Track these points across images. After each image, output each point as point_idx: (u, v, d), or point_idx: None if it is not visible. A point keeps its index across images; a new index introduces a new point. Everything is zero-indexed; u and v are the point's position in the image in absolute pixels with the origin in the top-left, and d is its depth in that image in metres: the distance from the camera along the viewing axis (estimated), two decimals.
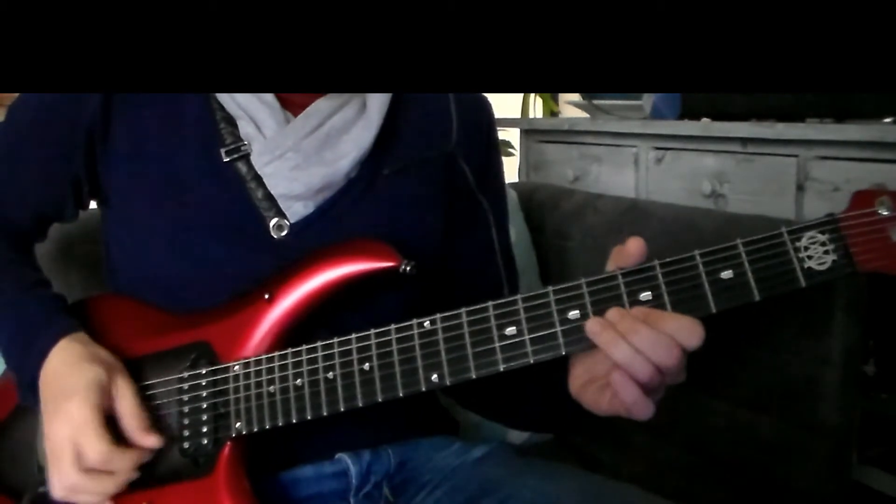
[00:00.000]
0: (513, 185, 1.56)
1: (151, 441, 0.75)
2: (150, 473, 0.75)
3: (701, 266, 0.65)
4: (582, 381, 0.72)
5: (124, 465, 0.73)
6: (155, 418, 0.77)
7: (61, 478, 0.73)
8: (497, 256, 0.94)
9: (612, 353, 0.64)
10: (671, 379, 0.66)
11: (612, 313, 0.65)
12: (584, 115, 2.20)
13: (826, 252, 0.63)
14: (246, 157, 0.82)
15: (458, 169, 0.90)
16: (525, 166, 2.10)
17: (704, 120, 1.60)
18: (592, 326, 0.65)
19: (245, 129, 0.83)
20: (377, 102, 0.85)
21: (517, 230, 1.44)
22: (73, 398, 0.72)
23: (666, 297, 0.65)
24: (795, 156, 1.39)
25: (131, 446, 0.75)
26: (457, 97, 0.91)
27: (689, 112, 1.65)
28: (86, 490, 0.73)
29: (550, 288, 0.68)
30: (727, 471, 1.12)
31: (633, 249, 0.67)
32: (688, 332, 0.63)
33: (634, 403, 0.65)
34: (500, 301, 0.69)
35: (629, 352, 0.63)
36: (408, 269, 0.76)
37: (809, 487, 1.03)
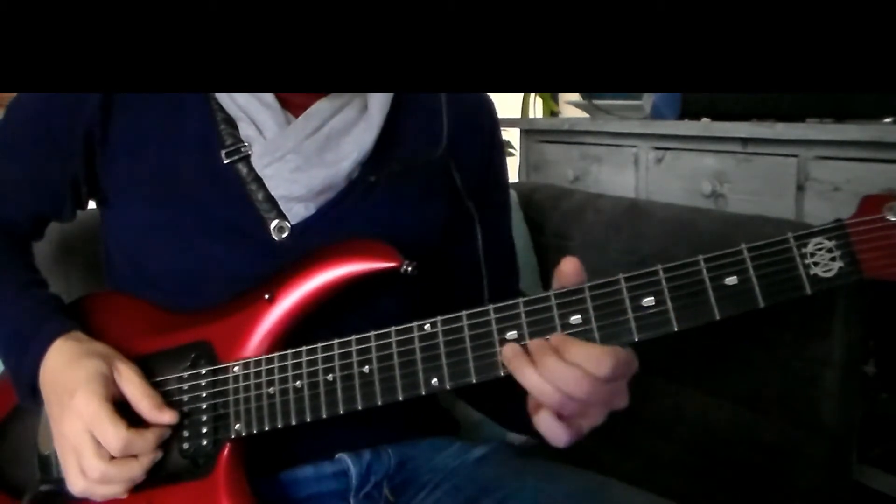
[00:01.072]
0: (513, 185, 1.56)
1: (167, 416, 0.75)
2: (150, 474, 0.75)
3: (705, 271, 0.64)
4: (534, 402, 0.71)
5: (146, 447, 0.73)
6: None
7: (86, 471, 0.73)
8: (480, 264, 0.93)
9: (520, 380, 0.66)
10: (602, 407, 0.67)
11: (533, 343, 0.67)
12: (584, 115, 2.20)
13: (832, 259, 0.62)
14: (246, 159, 0.82)
15: (449, 174, 0.89)
16: (525, 166, 2.10)
17: (704, 120, 1.60)
18: (506, 352, 0.67)
19: (245, 130, 0.82)
20: (378, 103, 0.84)
21: (517, 230, 1.44)
22: (76, 393, 0.72)
23: (669, 303, 0.64)
24: (795, 156, 1.39)
25: (148, 428, 0.75)
26: (450, 100, 0.89)
27: (689, 112, 1.66)
28: (113, 478, 0.73)
29: (552, 292, 0.68)
30: (727, 471, 1.12)
31: (567, 269, 0.68)
32: (595, 362, 0.63)
33: (547, 429, 0.67)
34: (501, 304, 0.69)
35: (536, 380, 0.65)
36: (409, 269, 0.76)
37: (809, 487, 1.03)
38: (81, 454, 0.73)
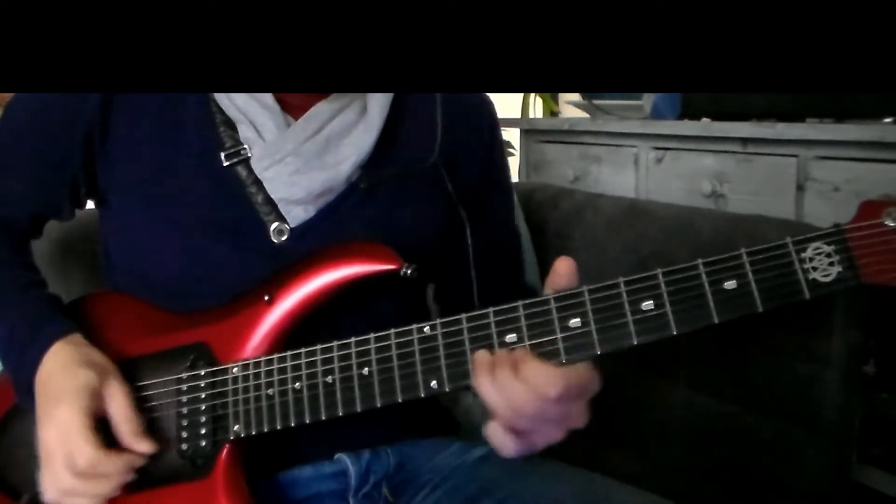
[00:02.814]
0: (513, 184, 1.56)
1: (143, 447, 0.75)
2: (148, 474, 0.75)
3: (704, 275, 0.65)
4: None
5: (115, 469, 0.73)
6: (153, 419, 0.77)
7: (55, 481, 0.73)
8: (470, 268, 0.93)
9: (476, 388, 0.68)
10: (556, 424, 0.68)
11: (498, 354, 0.68)
12: (584, 115, 2.20)
13: (831, 264, 0.63)
14: (246, 161, 0.82)
15: (442, 180, 0.89)
16: (525, 166, 2.10)
17: (704, 120, 1.60)
18: (475, 357, 0.68)
19: (245, 132, 0.82)
20: (378, 106, 0.84)
21: None
22: (61, 402, 0.73)
23: (668, 307, 0.65)
24: (795, 156, 1.39)
25: (125, 450, 0.74)
26: (446, 103, 0.88)
27: (689, 112, 1.65)
28: (80, 493, 0.73)
29: (552, 295, 0.68)
30: (727, 471, 1.12)
31: (561, 269, 0.69)
32: (544, 383, 0.65)
33: (494, 439, 0.68)
34: (500, 308, 0.69)
35: (490, 391, 0.66)
36: (408, 272, 0.76)
37: (810, 488, 1.03)
38: (53, 463, 0.73)
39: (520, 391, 0.65)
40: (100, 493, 0.74)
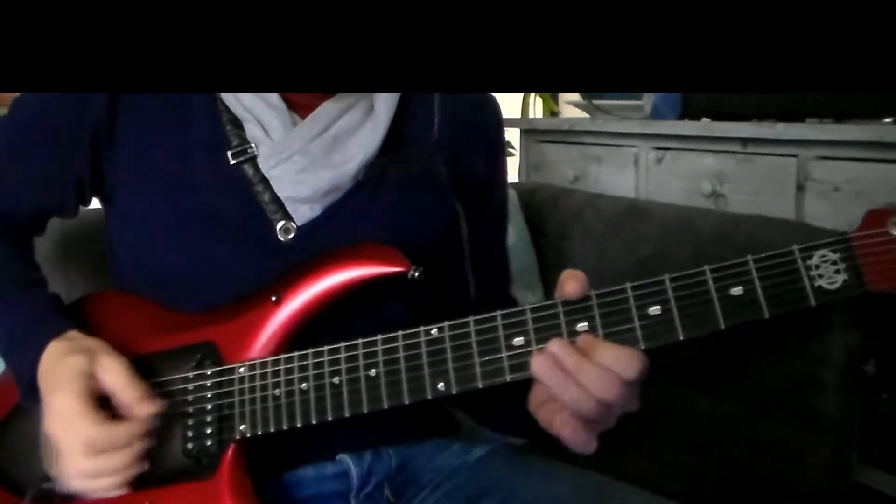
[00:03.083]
0: (513, 185, 1.56)
1: (148, 408, 0.74)
2: (153, 473, 0.75)
3: (711, 281, 0.65)
4: (540, 399, 0.72)
5: (128, 437, 0.73)
6: (158, 417, 0.77)
7: (75, 467, 0.73)
8: (464, 267, 0.93)
9: (562, 396, 0.65)
10: (619, 410, 0.67)
11: (555, 345, 0.66)
12: (584, 115, 2.20)
13: (837, 271, 0.63)
14: (253, 160, 0.82)
15: (446, 176, 0.88)
16: (525, 166, 2.10)
17: (704, 120, 1.60)
18: (541, 365, 0.66)
19: (252, 131, 0.82)
20: (385, 104, 0.84)
21: (517, 230, 1.44)
22: (55, 393, 0.73)
23: (675, 312, 0.65)
24: (795, 156, 1.39)
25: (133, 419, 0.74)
26: (446, 100, 0.88)
27: (689, 112, 1.66)
28: (103, 471, 0.73)
29: (559, 299, 0.68)
30: (727, 471, 1.12)
31: (570, 290, 0.67)
32: (624, 364, 0.64)
33: (574, 437, 0.67)
34: (508, 311, 0.69)
35: (577, 393, 0.64)
36: (416, 274, 0.76)
37: (810, 488, 1.03)
38: (66, 452, 0.73)
39: (604, 378, 0.64)
40: (121, 465, 0.73)
